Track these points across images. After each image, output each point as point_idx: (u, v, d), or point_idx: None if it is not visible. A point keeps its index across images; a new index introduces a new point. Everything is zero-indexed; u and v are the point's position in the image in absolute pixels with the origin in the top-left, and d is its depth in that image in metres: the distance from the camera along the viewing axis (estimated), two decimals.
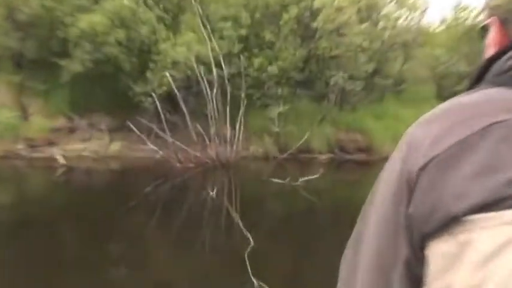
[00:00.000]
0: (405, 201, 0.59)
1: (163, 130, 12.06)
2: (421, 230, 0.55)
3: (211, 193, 8.82)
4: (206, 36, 12.38)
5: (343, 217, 7.99)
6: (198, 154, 12.08)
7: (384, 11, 15.85)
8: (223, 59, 12.51)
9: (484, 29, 0.71)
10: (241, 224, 6.29)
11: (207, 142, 12.27)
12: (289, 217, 7.96)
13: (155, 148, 11.96)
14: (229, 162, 12.19)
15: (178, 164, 11.76)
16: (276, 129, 13.56)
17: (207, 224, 7.10)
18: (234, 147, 12.38)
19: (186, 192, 9.70)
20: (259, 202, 9.10)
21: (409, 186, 0.58)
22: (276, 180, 10.11)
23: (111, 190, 9.55)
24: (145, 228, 6.84)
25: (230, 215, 7.10)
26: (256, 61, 13.52)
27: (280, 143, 13.86)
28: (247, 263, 4.77)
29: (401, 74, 16.02)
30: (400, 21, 16.00)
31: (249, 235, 5.81)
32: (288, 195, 9.56)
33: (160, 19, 12.78)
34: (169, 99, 12.59)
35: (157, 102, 11.90)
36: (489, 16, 0.71)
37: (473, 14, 16.31)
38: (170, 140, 11.91)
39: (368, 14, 15.12)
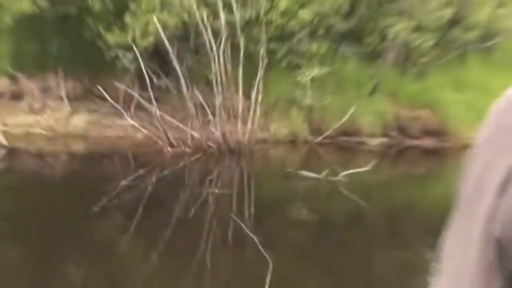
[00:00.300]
0: (495, 215, 0.60)
1: (148, 99, 12.00)
2: None
3: (215, 190, 8.78)
4: None
5: (404, 228, 7.92)
6: (197, 134, 12.04)
7: None
8: None
9: None
10: (256, 239, 6.23)
11: (210, 117, 12.19)
12: (324, 227, 7.83)
13: (136, 124, 11.94)
14: (241, 147, 12.16)
15: (169, 148, 11.75)
16: (309, 101, 13.48)
17: (209, 235, 7.04)
18: (249, 125, 12.29)
19: (179, 189, 9.61)
20: (282, 205, 8.99)
21: (501, 191, 0.59)
22: (307, 173, 10.07)
23: (71, 183, 9.49)
24: (121, 240, 6.78)
25: (241, 223, 7.04)
26: (283, 2, 13.34)
27: (314, 121, 13.78)
28: None
29: (492, 23, 15.75)
30: None
31: (267, 253, 5.73)
32: (324, 195, 9.52)
33: None
34: (157, 55, 12.50)
35: (140, 60, 11.79)
36: None
37: None
38: (158, 113, 11.85)
39: None
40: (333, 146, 13.40)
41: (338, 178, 9.75)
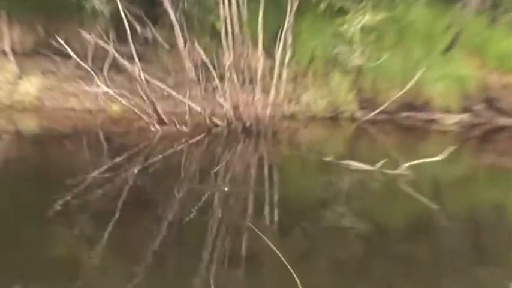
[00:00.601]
0: None
1: (128, 57, 12.08)
2: None
3: (223, 188, 8.80)
4: None
5: (489, 240, 7.86)
6: (197, 107, 12.14)
7: None
8: None
9: None
10: (281, 254, 6.13)
11: (217, 83, 12.25)
12: (379, 238, 7.71)
13: (111, 92, 12.00)
14: (260, 126, 12.23)
15: (157, 127, 11.87)
16: (357, 61, 13.59)
17: (214, 250, 6.96)
18: (272, 94, 12.32)
19: (171, 184, 9.55)
20: (319, 207, 8.87)
21: None
22: (355, 164, 10.11)
23: (19, 175, 9.49)
24: (89, 254, 6.73)
25: (260, 232, 6.98)
26: None
27: (365, 90, 13.92)
28: None
29: None
30: None
31: (296, 273, 5.54)
32: (379, 195, 9.49)
33: None
34: None
35: (118, 0, 11.74)
36: None
37: None
38: (142, 76, 11.88)
39: None
40: (392, 125, 13.50)
41: (398, 171, 9.76)
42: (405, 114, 13.78)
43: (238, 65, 12.19)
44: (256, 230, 6.88)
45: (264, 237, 6.65)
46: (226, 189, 8.80)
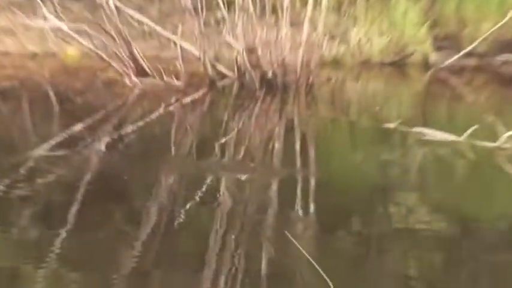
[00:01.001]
0: None
1: None
2: None
3: (240, 176, 8.74)
4: None
5: None
6: (195, 49, 12.25)
7: None
8: None
9: None
10: (320, 268, 6.03)
11: (224, 14, 12.36)
12: (463, 246, 7.59)
13: (65, 28, 11.96)
14: (287, 76, 12.30)
15: (133, 78, 11.94)
16: None
17: (223, 262, 6.90)
18: (305, 29, 12.30)
19: (157, 166, 9.53)
20: (376, 199, 8.86)
21: None
22: (431, 133, 10.16)
23: None
24: (38, 267, 6.70)
25: (292, 237, 6.91)
26: None
27: (443, 23, 13.85)
28: None
29: None
30: None
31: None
32: (466, 178, 9.58)
33: None
34: None
35: None
36: None
37: None
38: (111, 3, 11.86)
39: None
40: (484, 74, 13.44)
41: (496, 143, 9.78)
42: (503, 57, 13.70)
43: None
44: (288, 234, 6.80)
45: (298, 245, 6.59)
46: (243, 178, 8.73)
